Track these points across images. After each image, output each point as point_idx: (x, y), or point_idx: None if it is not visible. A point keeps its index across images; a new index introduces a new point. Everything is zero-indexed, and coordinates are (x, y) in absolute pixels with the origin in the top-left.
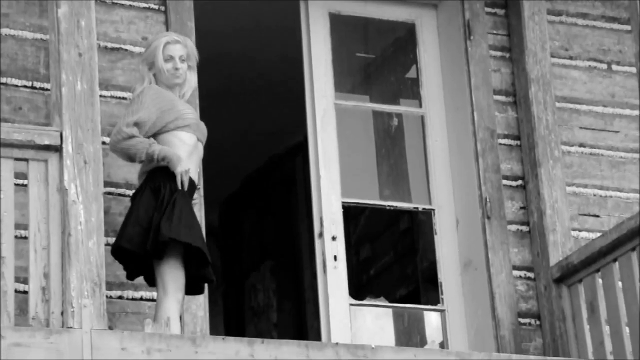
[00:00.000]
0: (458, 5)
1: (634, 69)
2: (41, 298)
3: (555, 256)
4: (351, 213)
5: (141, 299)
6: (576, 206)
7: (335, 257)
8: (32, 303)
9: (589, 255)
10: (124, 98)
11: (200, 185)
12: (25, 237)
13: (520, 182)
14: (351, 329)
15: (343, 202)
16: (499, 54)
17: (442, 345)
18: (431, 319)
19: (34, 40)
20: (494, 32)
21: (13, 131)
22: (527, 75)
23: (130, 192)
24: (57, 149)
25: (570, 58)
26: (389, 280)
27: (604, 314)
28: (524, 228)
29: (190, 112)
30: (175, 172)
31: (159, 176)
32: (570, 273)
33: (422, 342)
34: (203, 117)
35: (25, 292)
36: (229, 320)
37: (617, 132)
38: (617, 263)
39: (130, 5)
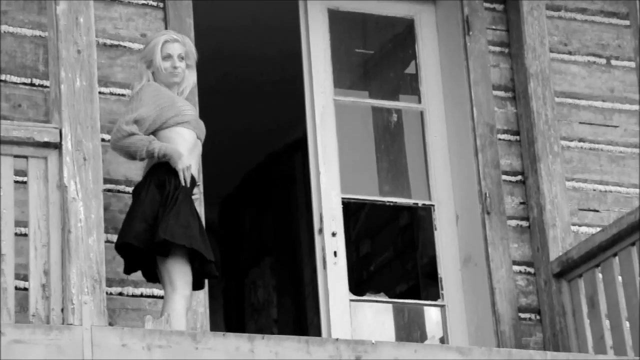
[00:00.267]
0: (457, 1)
1: (633, 64)
2: (41, 295)
3: (555, 251)
4: (351, 209)
5: (141, 295)
6: (576, 201)
7: (335, 253)
8: (32, 300)
9: (589, 250)
10: (123, 95)
11: (200, 182)
12: (25, 235)
13: (519, 177)
14: (351, 324)
15: (343, 198)
16: (498, 49)
17: (443, 340)
18: (431, 314)
19: (32, 38)
20: (493, 27)
21: (12, 128)
22: (526, 70)
23: (130, 189)
24: (57, 146)
25: (570, 53)
26: (389, 276)
27: (604, 309)
28: (524, 223)
29: (190, 109)
30: (177, 169)
31: (162, 171)
32: (570, 268)
33: (422, 337)
34: (202, 114)
35: (26, 289)
36: (230, 317)
37: (617, 127)
38: (617, 258)
39: (128, 2)
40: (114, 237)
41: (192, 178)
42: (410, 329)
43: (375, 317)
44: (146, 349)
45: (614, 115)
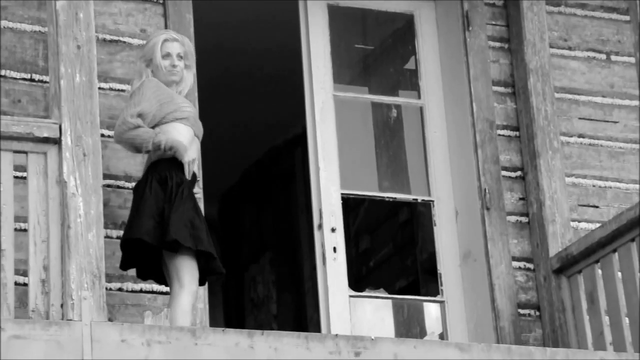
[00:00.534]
0: None
1: (633, 59)
2: (41, 290)
3: (554, 247)
4: (350, 205)
5: (141, 291)
6: (575, 197)
7: (334, 249)
8: (31, 295)
9: (589, 246)
10: (122, 90)
11: (200, 178)
12: (25, 230)
13: (519, 173)
14: (351, 320)
15: (342, 194)
16: (497, 44)
17: (442, 336)
18: (431, 310)
19: (32, 33)
20: (493, 23)
21: (12, 124)
22: (526, 66)
23: (130, 185)
24: (56, 142)
25: (569, 48)
26: (388, 272)
27: (604, 305)
28: (524, 219)
29: (188, 106)
30: (182, 162)
31: (163, 167)
32: (569, 264)
33: (421, 333)
34: (202, 109)
35: (25, 285)
36: (229, 312)
37: (617, 122)
38: (616, 254)
39: None
40: (114, 233)
41: (193, 174)
42: (409, 325)
43: (374, 313)
44: (146, 345)
45: (614, 111)
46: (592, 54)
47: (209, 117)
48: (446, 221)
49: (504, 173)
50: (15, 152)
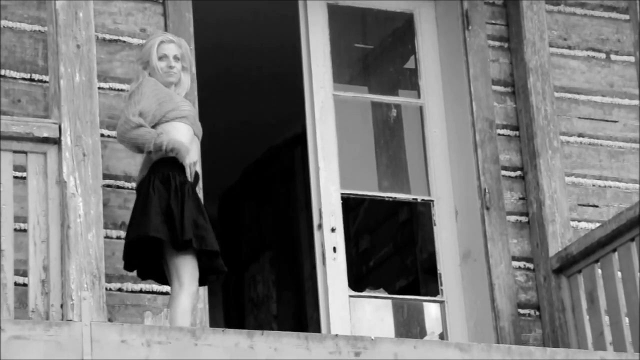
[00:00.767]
0: None
1: (632, 58)
2: (41, 291)
3: (554, 247)
4: (350, 204)
5: (141, 291)
6: (575, 196)
7: (334, 249)
8: (31, 296)
9: (589, 246)
10: (122, 90)
11: (200, 177)
12: (25, 230)
13: (519, 172)
14: (351, 320)
15: (342, 194)
16: (497, 44)
17: (442, 336)
18: (431, 310)
19: (32, 32)
20: (493, 22)
21: (12, 124)
22: (526, 65)
23: (130, 185)
24: (56, 142)
25: (569, 48)
26: (388, 272)
27: (604, 305)
28: (523, 219)
29: (187, 105)
30: (183, 164)
31: (166, 167)
32: (569, 264)
33: (421, 333)
34: (202, 108)
35: (25, 285)
36: (229, 312)
37: (616, 121)
38: (616, 253)
39: None
40: (114, 233)
41: (196, 173)
42: (409, 325)
43: (374, 313)
44: (145, 345)
45: (614, 110)
46: (591, 53)
47: (209, 116)
48: (446, 221)
49: (503, 172)
50: (15, 152)
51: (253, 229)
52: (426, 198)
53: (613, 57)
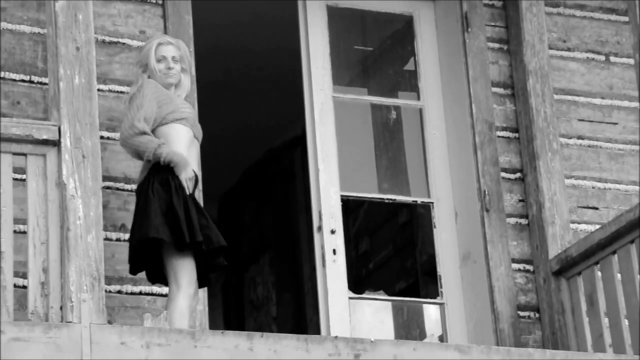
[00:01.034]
0: None
1: (632, 61)
2: (40, 293)
3: (554, 249)
4: (350, 206)
5: (140, 293)
6: (575, 198)
7: (334, 251)
8: (31, 298)
9: (588, 248)
10: (122, 92)
11: (200, 179)
12: (24, 232)
13: (518, 174)
14: (350, 322)
15: (342, 196)
16: (496, 46)
17: (442, 338)
18: (430, 312)
19: (31, 35)
20: (492, 24)
21: (11, 126)
22: (525, 67)
23: (129, 187)
24: (56, 144)
25: (568, 50)
26: (388, 274)
27: (603, 307)
28: (523, 221)
29: (187, 107)
30: (180, 178)
31: (165, 169)
32: (569, 266)
33: (421, 335)
34: (201, 110)
35: (24, 287)
36: (229, 314)
37: (616, 124)
38: (616, 255)
39: None
40: (113, 235)
41: (195, 176)
42: (409, 327)
43: (374, 315)
44: (145, 347)
45: (613, 112)
46: (591, 55)
47: (208, 118)
48: (446, 223)
49: (503, 175)
50: (15, 154)
51: (253, 231)
52: (426, 200)
53: (612, 59)
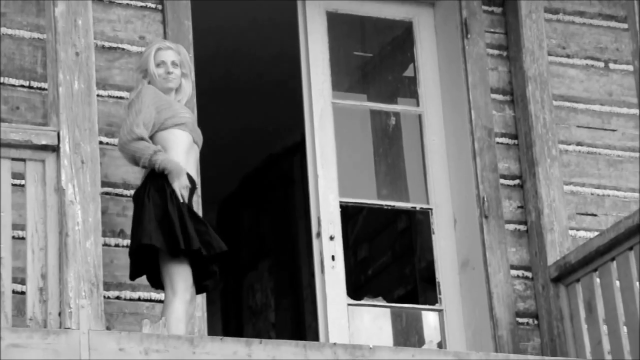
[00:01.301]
0: (455, 4)
1: (631, 67)
2: (39, 299)
3: (552, 255)
4: (349, 213)
5: (139, 299)
6: (574, 205)
7: (333, 257)
8: (29, 304)
9: (587, 255)
10: (121, 97)
11: (198, 185)
12: (23, 238)
13: (517, 181)
14: (349, 329)
15: (341, 202)
16: (496, 52)
17: (440, 345)
18: (429, 318)
19: (31, 40)
20: (491, 30)
21: (10, 131)
22: (525, 73)
23: (128, 192)
24: (55, 149)
25: (568, 56)
26: (386, 280)
27: (602, 314)
28: (522, 227)
29: (186, 112)
30: (173, 187)
31: (161, 175)
32: (568, 272)
33: (420, 342)
34: (201, 115)
35: (23, 293)
36: (228, 320)
37: (615, 130)
38: (614, 262)
39: (127, 4)
40: (112, 241)
41: (192, 181)
42: (408, 334)
43: (373, 322)
44: (143, 353)
45: (612, 119)
46: (590, 62)
47: (208, 123)
48: (445, 229)
49: (502, 181)
50: (14, 159)
51: (252, 237)
52: (425, 206)
53: (612, 65)
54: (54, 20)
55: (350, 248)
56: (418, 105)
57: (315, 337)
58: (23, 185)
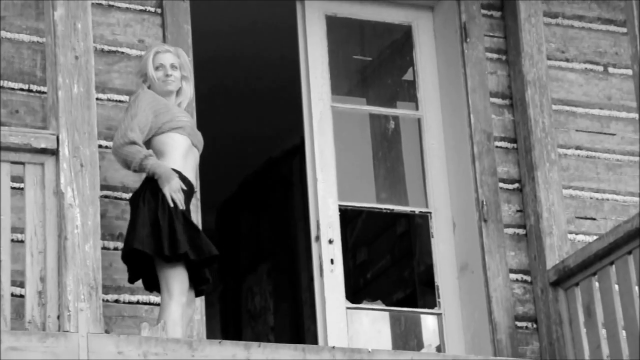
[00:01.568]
0: (454, 8)
1: (630, 71)
2: (37, 302)
3: (552, 259)
4: (348, 216)
5: (138, 302)
6: (573, 209)
7: (332, 261)
8: (28, 307)
9: (586, 259)
10: (120, 101)
11: (197, 188)
12: (22, 241)
13: (516, 185)
14: (348, 332)
15: (340, 205)
16: (495, 56)
17: (439, 349)
18: (428, 322)
19: (30, 43)
20: (491, 34)
21: (10, 134)
22: (524, 77)
23: (127, 196)
24: (54, 152)
25: (567, 60)
26: (385, 284)
27: (601, 318)
28: (521, 231)
29: (184, 116)
30: (163, 191)
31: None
32: (567, 276)
33: (419, 345)
34: (200, 119)
35: (22, 296)
36: (227, 323)
37: (614, 134)
38: (613, 266)
39: (126, 7)
40: (111, 244)
41: (191, 185)
42: (406, 337)
43: (371, 325)
44: (142, 357)
45: (611, 123)
46: (589, 66)
47: (207, 127)
48: (444, 233)
49: (501, 185)
50: (13, 162)
51: (251, 240)
52: (424, 210)
53: (611, 70)
54: (53, 24)
55: (349, 251)
56: (417, 109)
57: (314, 341)
58: (22, 189)
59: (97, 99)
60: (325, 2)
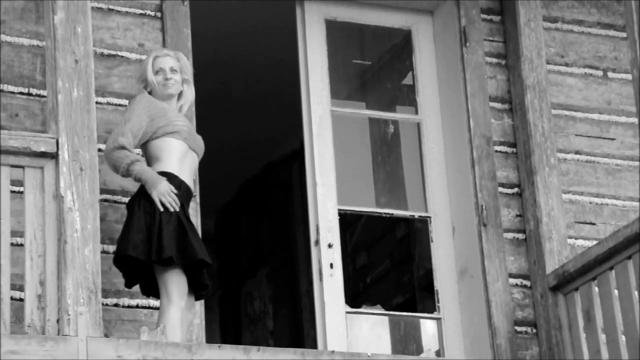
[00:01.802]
0: (454, 12)
1: (629, 76)
2: (37, 305)
3: (551, 264)
4: (347, 220)
5: (137, 306)
6: (572, 214)
7: (331, 265)
8: (27, 310)
9: (585, 264)
10: (120, 105)
11: (197, 192)
12: (22, 245)
13: (516, 189)
14: (347, 337)
15: (339, 210)
16: (494, 60)
17: (438, 353)
18: (427, 327)
19: (30, 47)
20: (490, 38)
21: (9, 138)
22: (523, 82)
23: (127, 199)
24: (53, 156)
25: (566, 65)
26: (385, 288)
27: (600, 323)
28: (520, 236)
29: (181, 121)
30: (152, 196)
31: None
32: (566, 281)
33: (418, 350)
34: (200, 123)
35: (21, 300)
36: (226, 327)
37: (613, 139)
38: (613, 271)
39: (126, 11)
40: (111, 248)
41: (189, 189)
42: (406, 342)
43: (371, 330)
44: None
45: (611, 128)
46: (589, 71)
47: (206, 131)
48: (443, 237)
49: (500, 189)
50: (13, 166)
51: (250, 244)
52: (423, 214)
53: (610, 74)
54: (53, 28)
55: (348, 256)
56: (417, 113)
57: (314, 345)
58: (22, 192)
59: (96, 102)
60: (325, 6)
